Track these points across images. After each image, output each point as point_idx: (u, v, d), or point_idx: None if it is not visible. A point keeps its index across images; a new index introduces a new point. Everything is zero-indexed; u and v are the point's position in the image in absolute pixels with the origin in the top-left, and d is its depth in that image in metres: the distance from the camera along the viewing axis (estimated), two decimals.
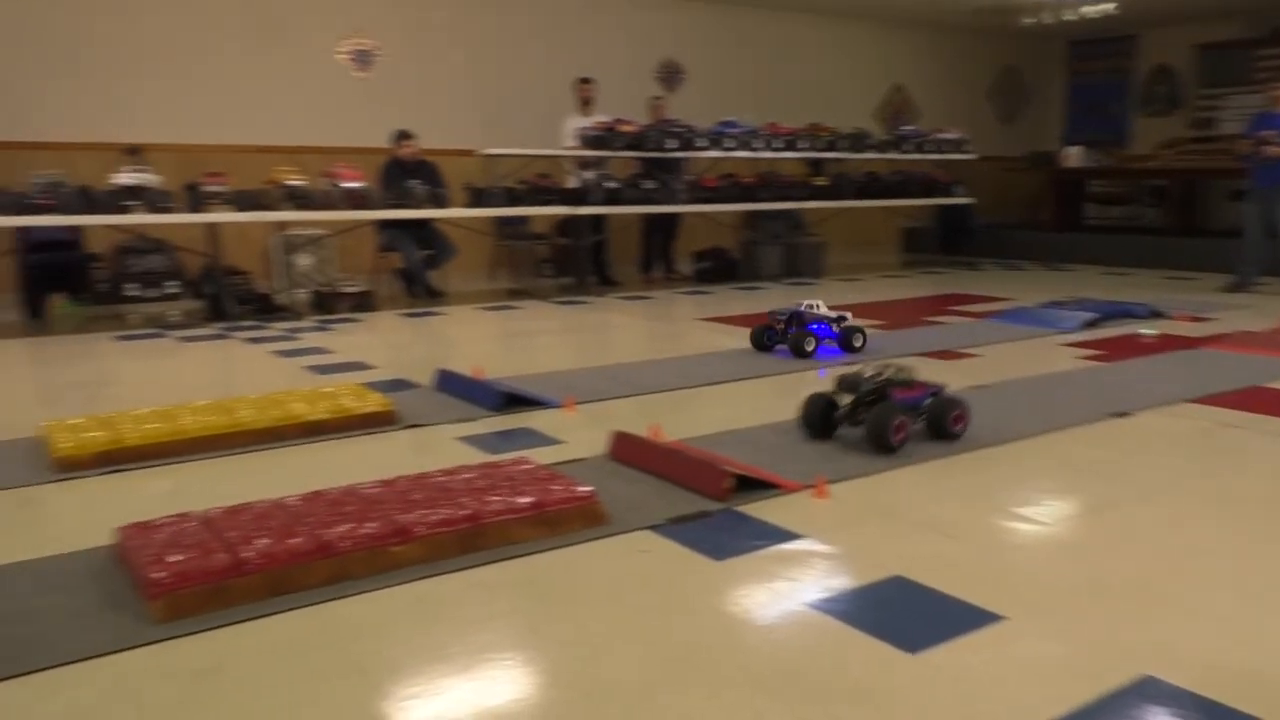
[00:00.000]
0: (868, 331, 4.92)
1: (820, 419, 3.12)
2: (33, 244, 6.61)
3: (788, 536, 2.33)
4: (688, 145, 8.30)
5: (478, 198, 7.33)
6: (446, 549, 2.19)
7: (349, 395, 3.59)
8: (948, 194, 9.89)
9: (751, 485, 2.61)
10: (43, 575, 2.13)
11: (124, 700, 1.63)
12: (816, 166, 9.61)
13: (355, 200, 6.76)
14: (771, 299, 7.50)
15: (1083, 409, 3.59)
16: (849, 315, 4.84)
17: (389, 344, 5.77)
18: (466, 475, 2.53)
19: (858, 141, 9.31)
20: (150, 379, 4.76)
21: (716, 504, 2.52)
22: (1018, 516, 2.48)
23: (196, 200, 6.22)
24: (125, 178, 6.00)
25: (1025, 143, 12.58)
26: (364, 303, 6.97)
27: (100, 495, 2.78)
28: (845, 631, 1.84)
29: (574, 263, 8.25)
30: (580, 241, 8.16)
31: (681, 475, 2.67)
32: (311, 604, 1.98)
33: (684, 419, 3.50)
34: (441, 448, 3.22)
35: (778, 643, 1.82)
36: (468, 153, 7.86)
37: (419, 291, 7.60)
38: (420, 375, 4.31)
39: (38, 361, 5.26)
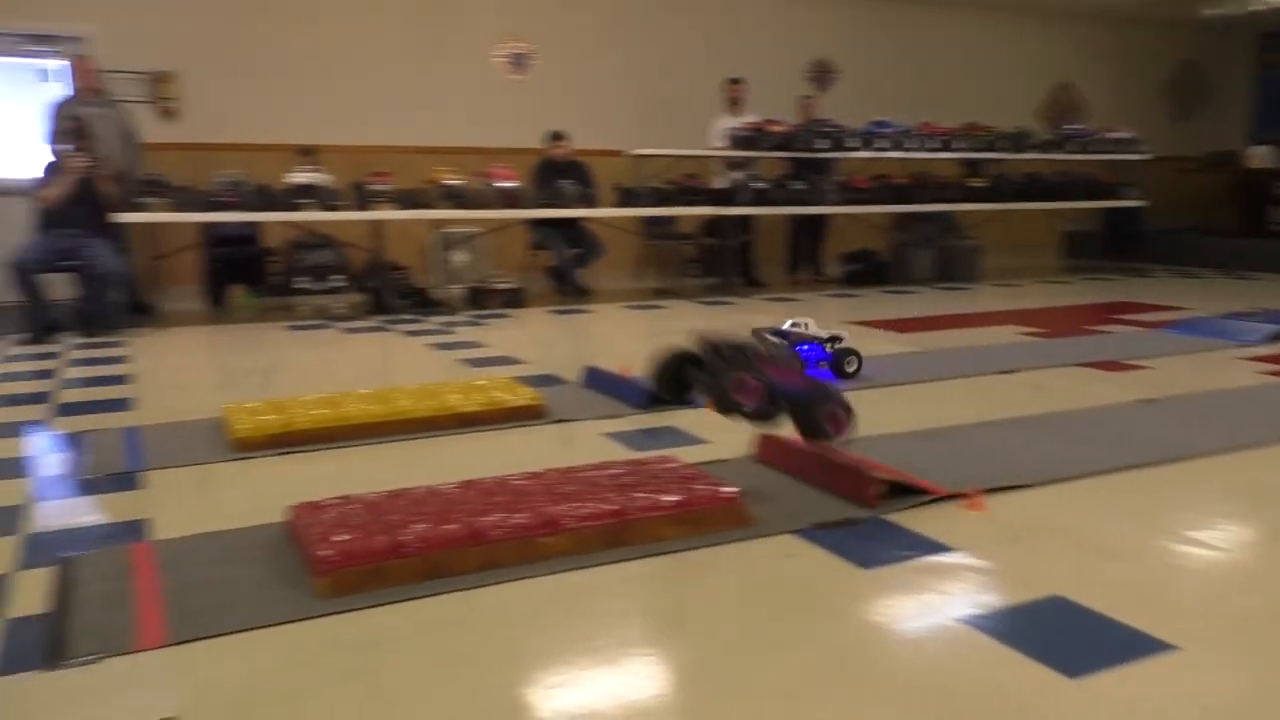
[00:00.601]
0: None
1: (673, 376, 2.79)
2: (216, 239, 7.09)
3: (939, 548, 2.26)
4: (839, 145, 8.18)
5: (626, 197, 7.43)
6: (592, 543, 2.23)
7: (501, 388, 3.70)
8: (1115, 196, 9.39)
9: (902, 493, 2.55)
10: (223, 547, 2.28)
11: (297, 667, 1.74)
12: (973, 167, 9.29)
13: (509, 199, 6.96)
14: (922, 303, 7.30)
15: (1265, 429, 3.35)
16: (844, 335, 4.40)
17: (538, 340, 5.91)
18: (613, 471, 2.56)
19: (1018, 141, 8.95)
20: (316, 367, 5.03)
21: (865, 511, 2.47)
22: (1190, 540, 2.34)
23: (363, 198, 6.54)
24: (299, 177, 6.36)
25: (1203, 142, 11.80)
26: (515, 299, 7.17)
27: (272, 475, 2.96)
28: (1000, 650, 1.77)
29: (720, 263, 8.24)
30: (727, 242, 8.15)
31: (828, 480, 2.63)
32: (463, 589, 2.05)
33: None
34: (588, 443, 3.28)
35: (927, 657, 1.77)
36: (617, 153, 7.97)
37: (568, 289, 7.76)
38: (568, 371, 4.40)
39: (218, 348, 5.64)
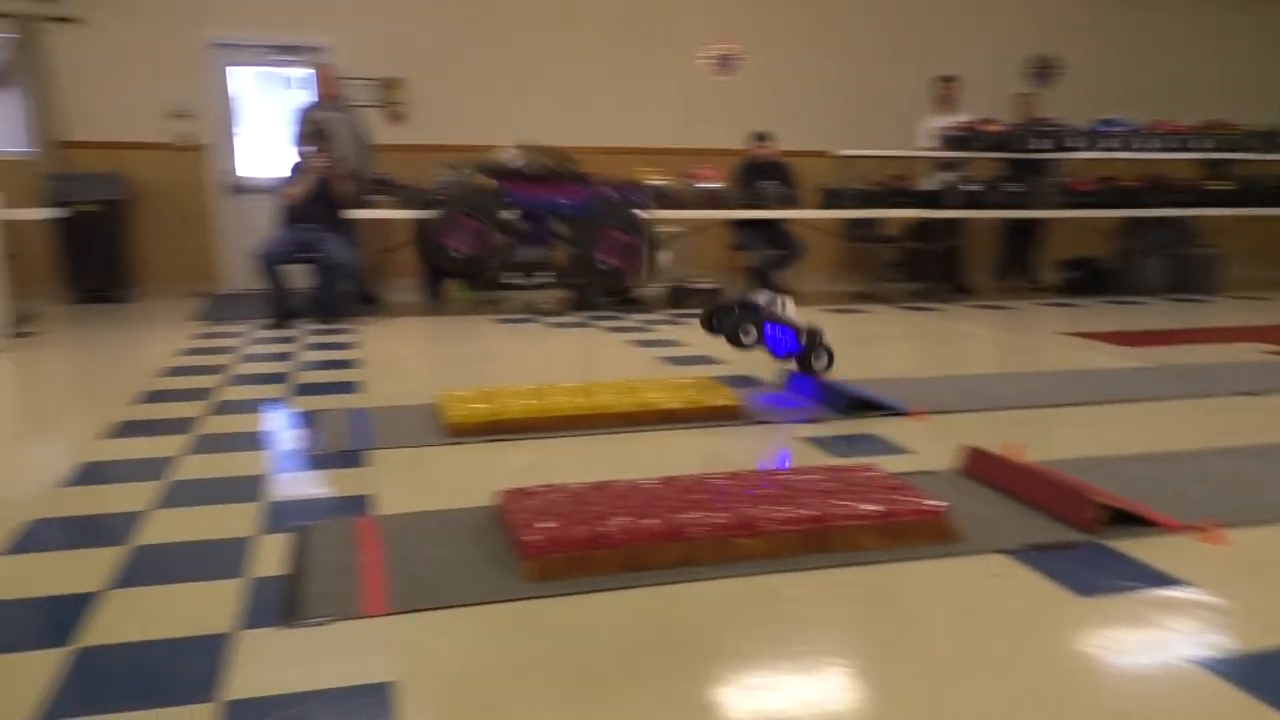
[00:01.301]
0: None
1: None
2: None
3: (1167, 581, 2.09)
4: (1060, 145, 7.72)
5: (830, 199, 7.31)
6: (790, 547, 2.20)
7: (700, 388, 3.72)
8: None
9: (1124, 520, 2.38)
10: (437, 526, 2.41)
11: (502, 646, 1.81)
12: (1216, 169, 8.54)
13: (711, 200, 7.00)
14: (1151, 315, 6.79)
15: None
16: (824, 331, 3.99)
17: None
18: (813, 476, 2.53)
19: (1270, 140, 8.16)
20: (523, 359, 5.23)
21: (1082, 535, 2.32)
22: None
23: None
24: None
25: None
26: (715, 299, 7.19)
27: (481, 460, 3.10)
28: (1236, 696, 1.63)
29: (925, 267, 7.97)
30: (933, 246, 7.87)
31: (1044, 500, 2.49)
32: (661, 584, 2.07)
33: (1041, 440, 3.26)
34: (787, 446, 3.25)
35: (1151, 696, 1.65)
36: (822, 154, 7.84)
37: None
38: (767, 373, 4.37)
39: (434, 338, 5.97)
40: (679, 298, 7.24)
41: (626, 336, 5.80)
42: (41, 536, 2.39)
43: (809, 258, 7.82)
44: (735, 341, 4.13)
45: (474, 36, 8.23)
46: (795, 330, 4.04)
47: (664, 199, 6.87)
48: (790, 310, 4.10)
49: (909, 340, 5.88)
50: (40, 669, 1.70)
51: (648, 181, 6.86)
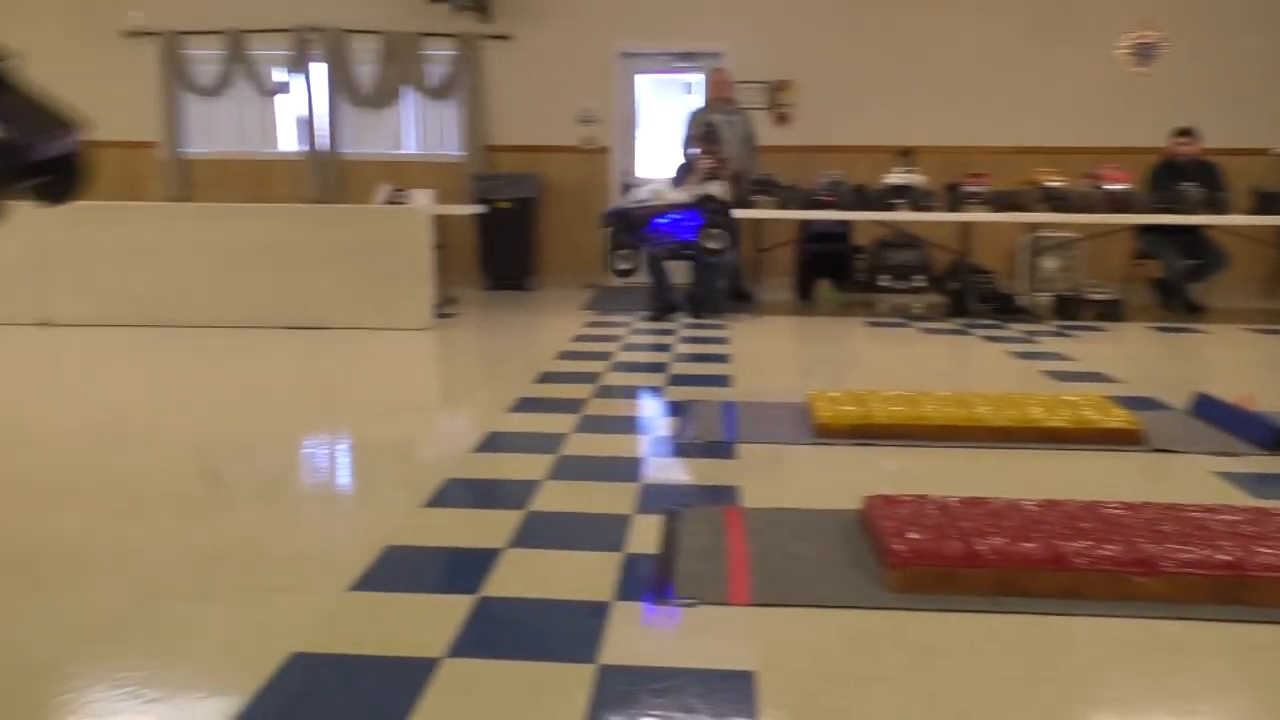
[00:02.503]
0: None
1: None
2: (811, 234, 7.54)
3: None
4: None
5: (1264, 203, 6.36)
6: (1196, 593, 1.95)
7: (1090, 406, 3.41)
8: None
9: None
10: (800, 524, 2.41)
11: (859, 653, 1.78)
12: None
13: (1114, 203, 6.38)
14: None
15: None
16: (718, 189, 2.99)
17: (1135, 358, 5.35)
18: (1229, 517, 2.22)
19: None
20: (892, 364, 5.11)
21: None
22: None
23: (956, 200, 6.47)
24: (895, 178, 6.49)
25: None
26: (1110, 311, 6.56)
27: (848, 462, 3.07)
28: None
29: None
30: None
31: None
32: (1037, 613, 1.92)
33: None
34: (1193, 480, 2.88)
35: None
36: (1261, 151, 6.84)
37: (1176, 304, 6.89)
38: (1171, 396, 3.91)
39: (802, 337, 6.01)
40: (1068, 308, 6.68)
41: (1006, 347, 5.46)
42: (455, 494, 2.72)
43: (1231, 270, 6.87)
44: (620, 272, 3.67)
45: (862, 37, 8.14)
46: (688, 206, 3.57)
47: (1060, 202, 6.36)
48: (666, 190, 3.63)
49: None
50: (451, 611, 1.93)
51: (1044, 183, 6.39)
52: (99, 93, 8.47)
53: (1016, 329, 6.12)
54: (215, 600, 1.98)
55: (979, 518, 2.19)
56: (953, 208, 6.49)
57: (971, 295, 6.70)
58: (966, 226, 6.70)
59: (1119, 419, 3.29)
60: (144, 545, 2.30)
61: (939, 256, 6.97)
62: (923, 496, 2.36)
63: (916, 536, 2.06)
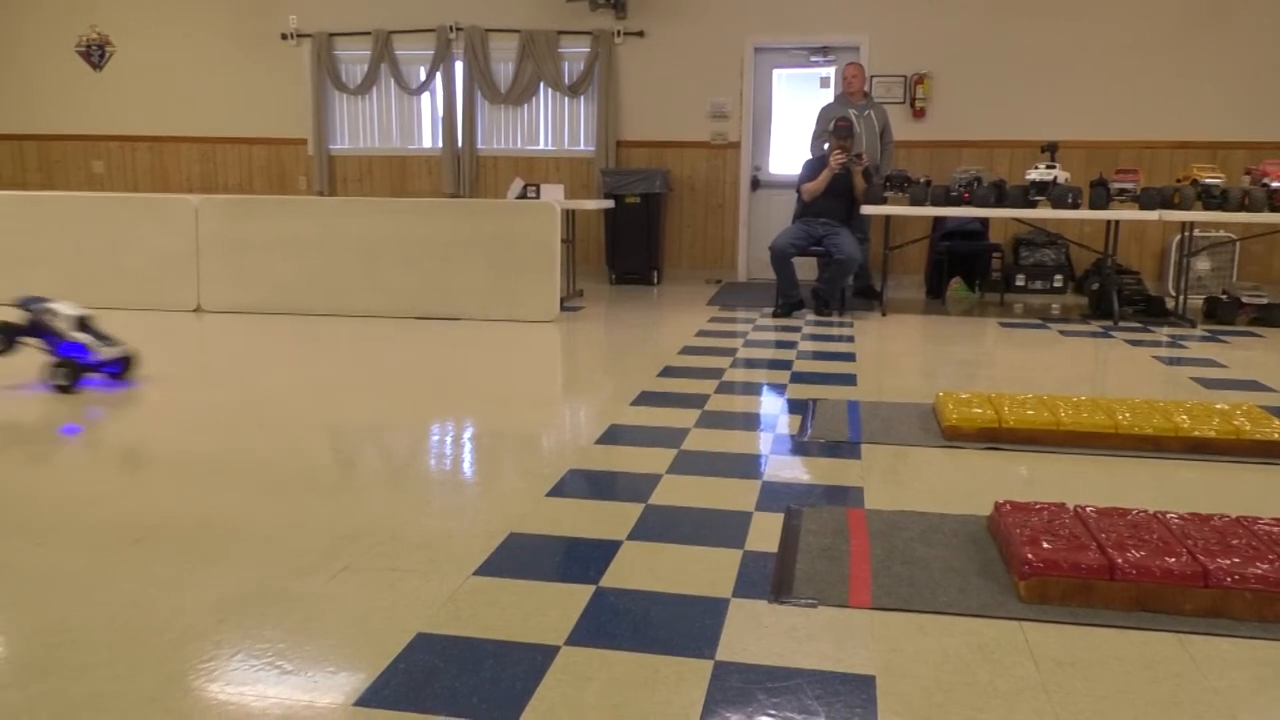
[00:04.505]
0: None
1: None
2: (945, 232, 7.33)
3: None
4: None
5: None
6: None
7: (1244, 416, 3.21)
8: None
9: None
10: (926, 528, 2.35)
11: (987, 664, 1.72)
12: None
13: (1278, 202, 5.96)
14: None
15: None
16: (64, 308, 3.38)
17: None
18: None
19: None
20: (1026, 366, 4.91)
21: None
22: None
23: (1101, 197, 6.17)
24: (1036, 174, 6.24)
25: None
26: (1268, 316, 6.15)
27: (977, 467, 2.97)
28: None
29: None
30: None
31: None
32: (1180, 632, 1.82)
33: None
34: None
35: None
36: None
37: None
38: None
39: (931, 337, 5.84)
40: (1221, 311, 6.30)
41: (1151, 351, 5.18)
42: (577, 485, 2.76)
43: None
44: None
45: (1003, 27, 7.84)
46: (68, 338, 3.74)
47: (1217, 200, 5.99)
48: (65, 311, 3.75)
49: None
50: (572, 600, 1.96)
51: (1201, 179, 6.03)
52: (257, 93, 9.00)
53: (1163, 333, 5.81)
54: (347, 579, 2.07)
55: (1118, 529, 2.08)
56: (1096, 205, 6.19)
57: (1115, 297, 6.39)
58: (1112, 225, 6.38)
59: (1275, 430, 3.08)
60: (285, 523, 2.42)
61: (1080, 256, 6.67)
62: (1058, 505, 2.27)
63: (1051, 546, 1.98)
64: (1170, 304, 6.55)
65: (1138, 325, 6.06)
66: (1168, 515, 2.20)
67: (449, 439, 3.37)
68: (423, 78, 8.93)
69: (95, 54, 9.39)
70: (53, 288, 6.20)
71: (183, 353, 5.08)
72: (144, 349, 4.27)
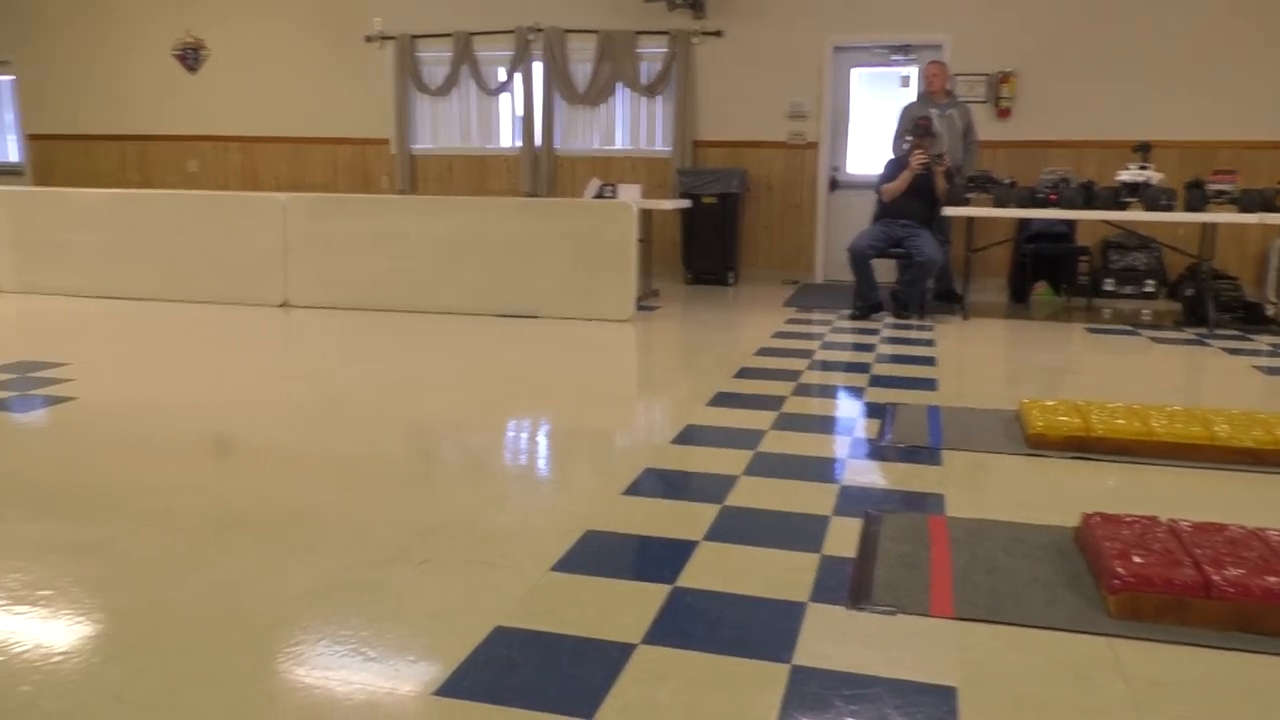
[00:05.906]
0: None
1: None
2: (1030, 234, 7.15)
3: None
4: None
5: None
6: None
7: None
8: None
9: None
10: (1009, 538, 2.30)
11: (1073, 679, 1.67)
12: None
13: None
14: None
15: None
16: None
17: None
18: None
19: None
20: (1115, 374, 4.77)
21: None
22: None
23: (1197, 199, 5.95)
24: (1128, 175, 6.04)
25: None
26: None
27: (1063, 476, 2.89)
28: None
29: None
30: None
31: None
32: None
33: None
34: None
35: None
36: None
37: None
38: None
39: (1014, 341, 5.71)
40: None
41: (1251, 360, 4.98)
42: (653, 484, 2.76)
43: None
44: None
45: (1091, 22, 7.60)
46: None
47: None
48: None
49: None
50: (648, 598, 1.96)
51: None
52: (342, 94, 9.21)
53: (1263, 341, 5.57)
54: (428, 571, 2.10)
55: (1215, 545, 2.00)
56: (1192, 207, 5.97)
57: (1211, 303, 6.15)
58: (1208, 228, 6.15)
59: None
60: (368, 515, 2.47)
61: (1174, 260, 6.45)
62: (1151, 518, 2.19)
63: (1143, 560, 1.91)
64: (1270, 311, 6.28)
65: (1235, 333, 5.83)
66: (1267, 532, 2.11)
67: (526, 436, 3.40)
68: (502, 78, 9.03)
69: (190, 57, 9.72)
70: (149, 282, 6.42)
71: (269, 347, 5.22)
72: (234, 343, 4.40)
